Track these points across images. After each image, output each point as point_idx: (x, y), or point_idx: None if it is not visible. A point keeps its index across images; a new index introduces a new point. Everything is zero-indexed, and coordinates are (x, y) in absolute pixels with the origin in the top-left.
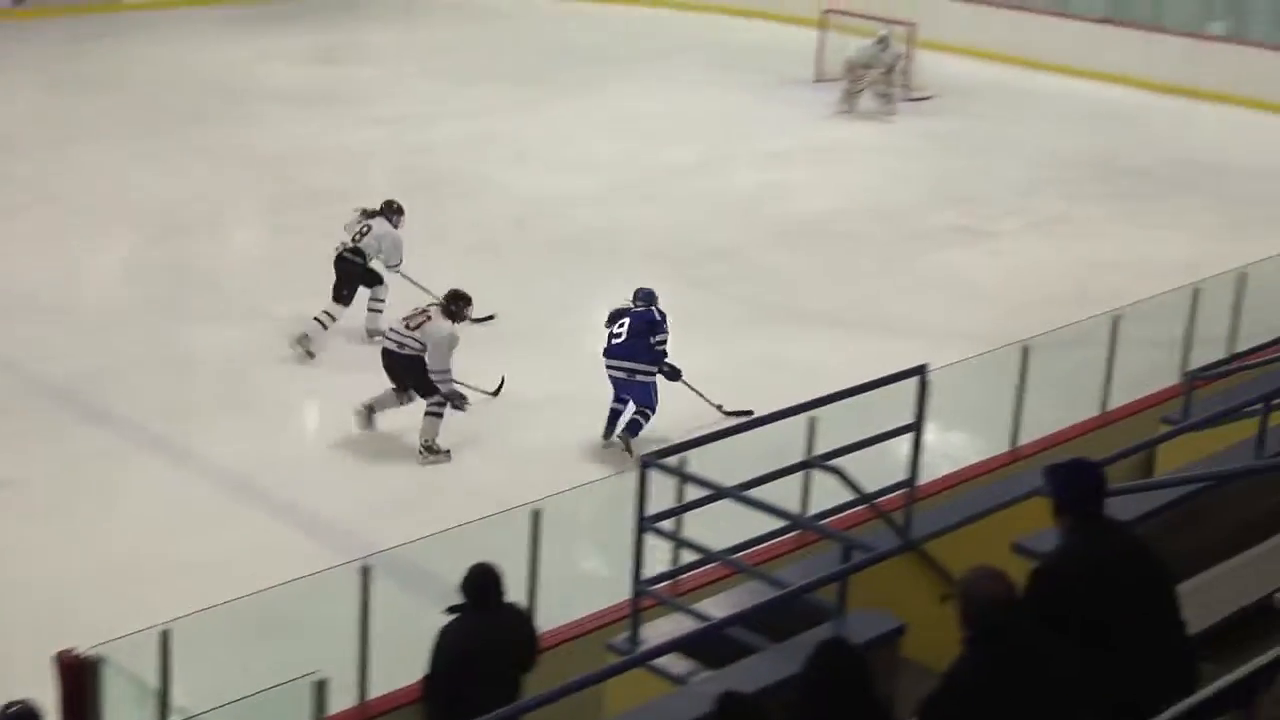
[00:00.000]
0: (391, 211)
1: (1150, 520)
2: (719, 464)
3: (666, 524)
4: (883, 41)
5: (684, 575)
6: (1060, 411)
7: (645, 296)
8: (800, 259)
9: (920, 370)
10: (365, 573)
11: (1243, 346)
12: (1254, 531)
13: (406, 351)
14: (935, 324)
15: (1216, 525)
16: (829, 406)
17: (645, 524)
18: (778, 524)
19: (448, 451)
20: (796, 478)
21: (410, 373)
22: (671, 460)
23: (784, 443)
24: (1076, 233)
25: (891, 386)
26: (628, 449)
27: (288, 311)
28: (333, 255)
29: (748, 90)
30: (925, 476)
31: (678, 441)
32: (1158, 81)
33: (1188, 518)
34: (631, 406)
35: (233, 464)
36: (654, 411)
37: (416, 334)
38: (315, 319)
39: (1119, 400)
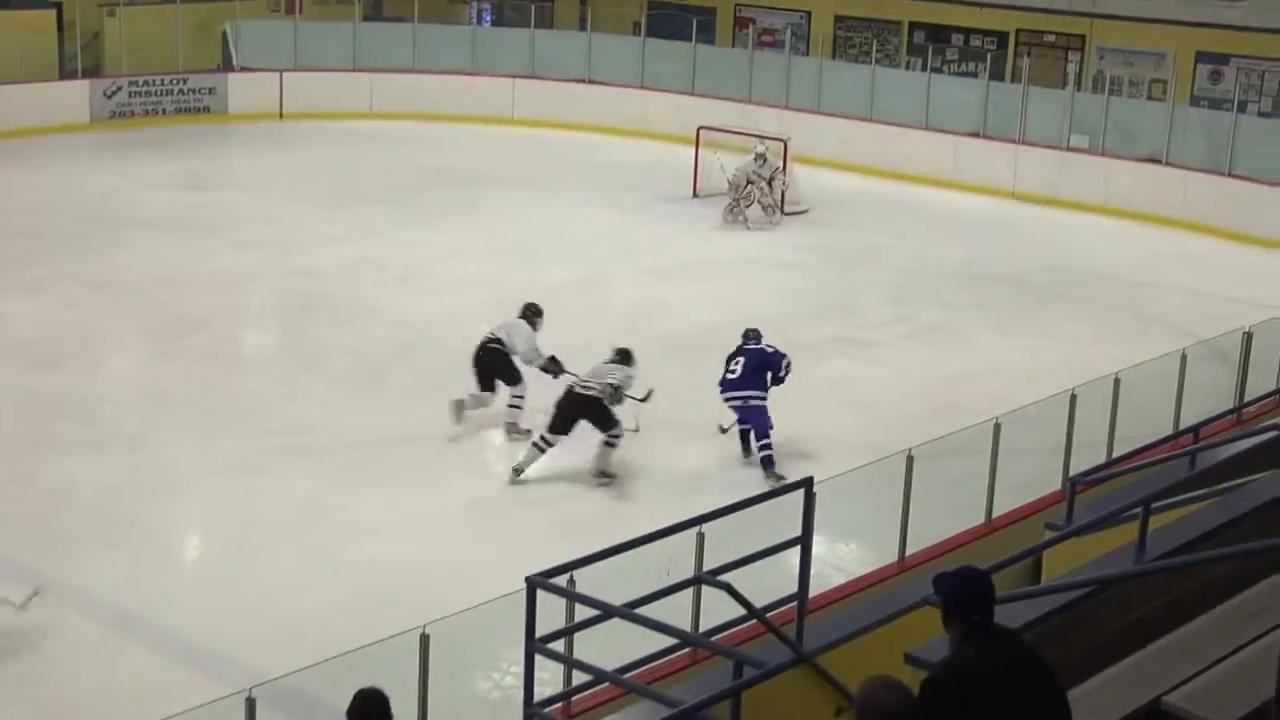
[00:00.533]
0: (531, 313)
1: (1039, 626)
2: (607, 582)
3: (558, 644)
4: (760, 157)
5: (576, 696)
6: (947, 520)
7: (754, 336)
8: (682, 373)
9: (806, 483)
10: (250, 705)
11: (1121, 450)
12: (1141, 634)
13: (591, 394)
14: (820, 436)
15: (1104, 629)
16: (717, 520)
17: (534, 646)
18: (669, 641)
19: (615, 476)
20: (687, 593)
21: (591, 411)
22: (560, 579)
23: (674, 557)
24: (953, 341)
25: (778, 499)
26: (773, 477)
27: (163, 438)
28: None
29: (626, 208)
30: (815, 588)
31: (564, 562)
32: (1023, 191)
33: (1076, 622)
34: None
35: (109, 596)
36: (770, 434)
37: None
38: (471, 394)
39: (1004, 507)
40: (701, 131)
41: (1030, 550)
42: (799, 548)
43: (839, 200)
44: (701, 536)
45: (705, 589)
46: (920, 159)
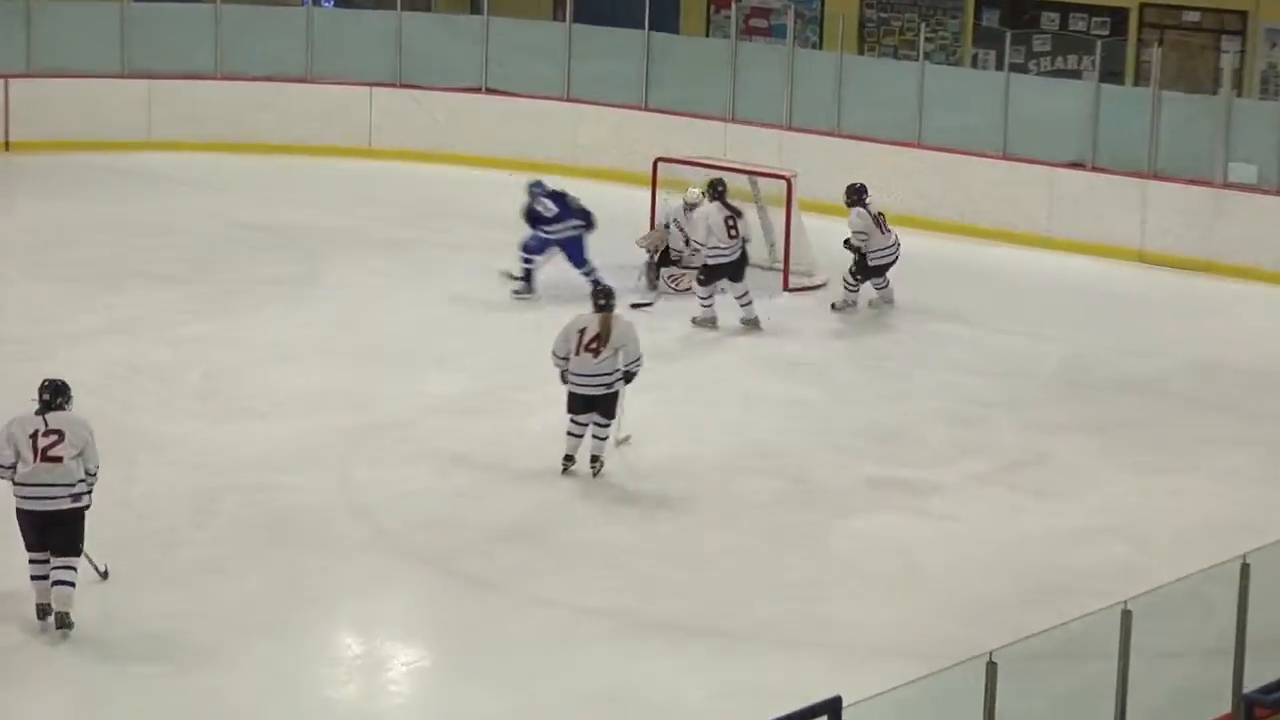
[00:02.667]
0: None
1: None
2: None
3: None
4: (689, 207)
5: None
6: None
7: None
8: (644, 537)
9: (832, 707)
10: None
11: None
12: None
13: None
14: (850, 629)
15: None
16: None
17: None
18: None
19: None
20: None
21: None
22: None
23: None
24: (1053, 483)
25: None
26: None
27: None
28: None
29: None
30: None
31: None
32: (1155, 252)
33: None
34: None
35: None
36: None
37: None
38: None
39: None
40: (660, 166)
41: None
42: None
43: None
44: None
45: None
46: (996, 204)
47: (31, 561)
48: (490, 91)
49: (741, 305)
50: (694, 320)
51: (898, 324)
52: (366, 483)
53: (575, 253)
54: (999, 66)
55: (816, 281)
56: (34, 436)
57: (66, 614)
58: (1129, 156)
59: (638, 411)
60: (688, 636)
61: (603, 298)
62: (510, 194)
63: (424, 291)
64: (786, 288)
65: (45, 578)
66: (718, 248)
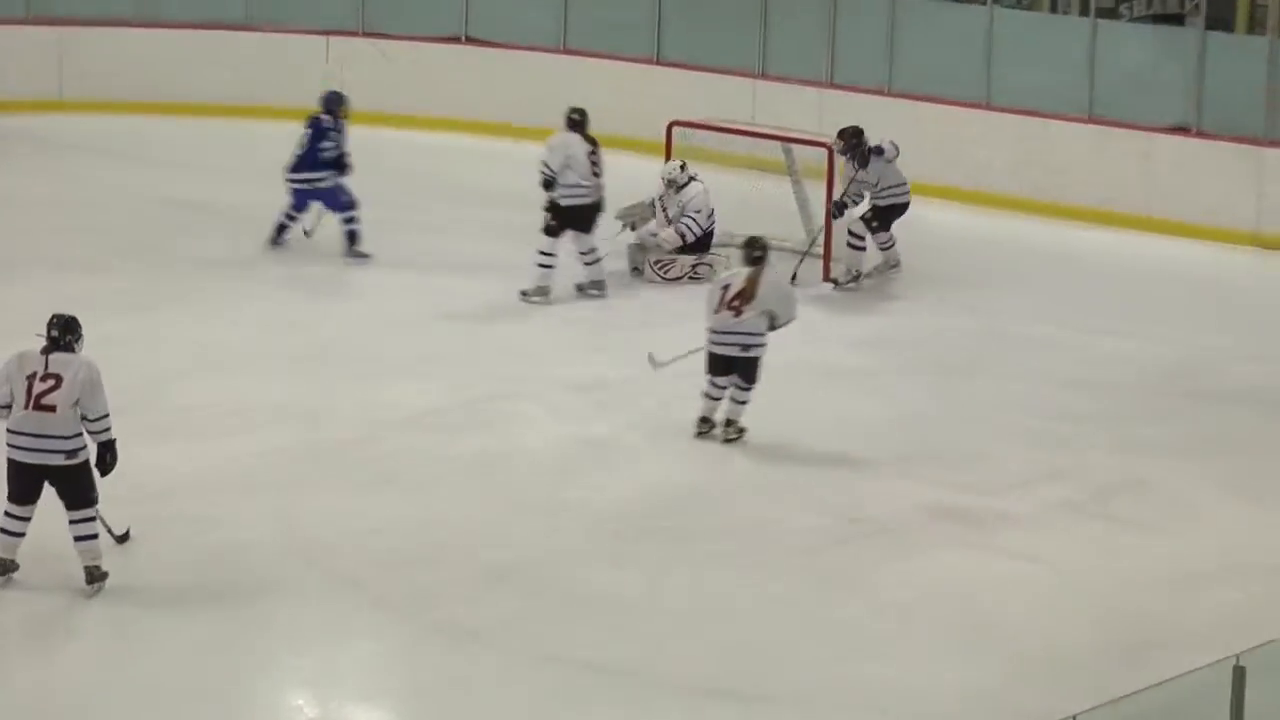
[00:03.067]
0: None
1: None
2: None
3: None
4: (672, 185)
5: None
6: None
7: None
8: (659, 581)
9: None
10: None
11: None
12: None
13: None
14: (905, 695)
15: None
16: None
17: None
18: None
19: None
20: None
21: None
22: None
23: None
24: (1155, 514)
25: None
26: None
27: None
28: None
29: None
30: None
31: None
32: (1270, 233)
33: None
34: None
35: None
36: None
37: None
38: None
39: None
40: (675, 131)
41: None
42: None
43: (934, 255)
44: None
45: None
46: (1081, 178)
47: (6, 514)
48: (471, 41)
49: (587, 264)
50: (523, 294)
51: (965, 323)
52: (320, 513)
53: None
54: (1083, 12)
55: (864, 271)
56: (31, 379)
57: (96, 567)
58: (1242, 119)
59: (653, 431)
60: (709, 702)
61: (758, 249)
62: (499, 164)
63: (390, 282)
64: (828, 278)
65: (17, 535)
66: (578, 185)
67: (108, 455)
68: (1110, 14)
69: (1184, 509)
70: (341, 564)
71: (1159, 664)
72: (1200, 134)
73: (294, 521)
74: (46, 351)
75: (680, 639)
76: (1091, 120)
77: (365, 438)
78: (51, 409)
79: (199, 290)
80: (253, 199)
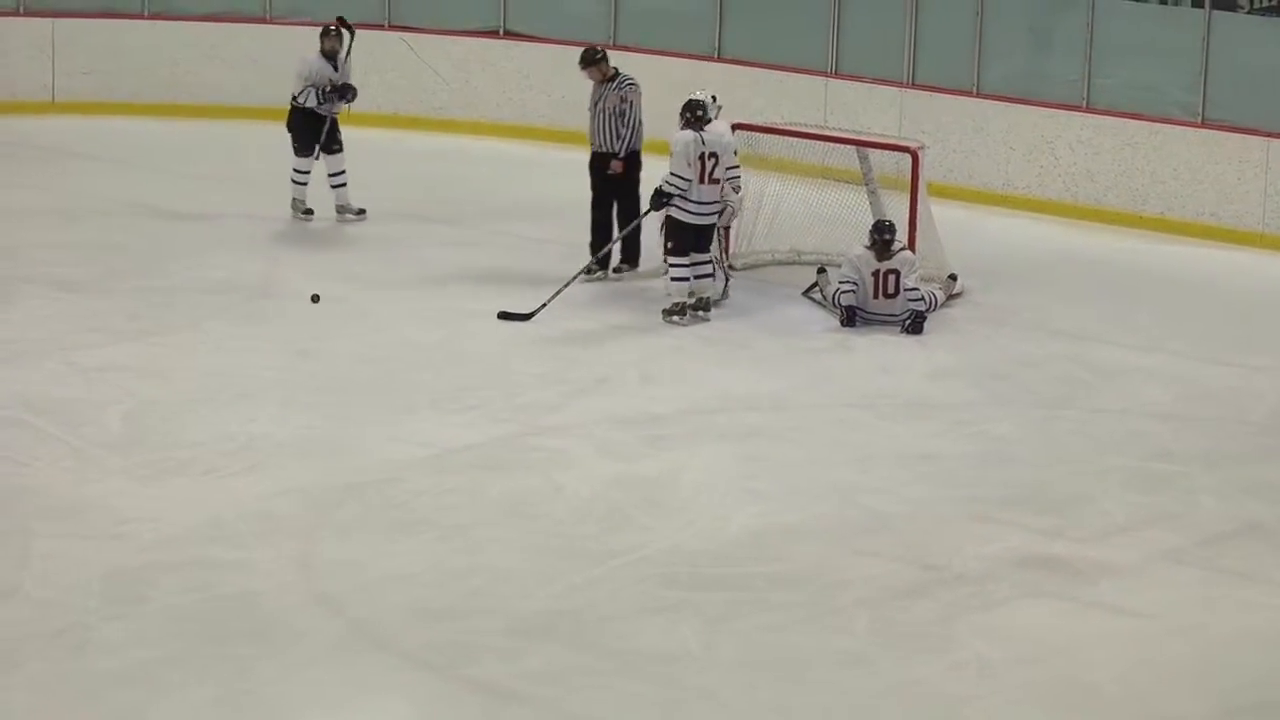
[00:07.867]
0: None
1: None
2: None
3: None
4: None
5: None
6: None
7: None
8: (713, 637)
9: None
10: None
11: None
12: None
13: None
14: None
15: None
16: None
17: None
18: None
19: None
20: None
21: None
22: None
23: None
24: (1259, 564)
25: None
26: None
27: None
28: None
29: (581, 294)
30: None
31: None
32: None
33: None
34: None
35: None
36: None
37: None
38: None
39: None
40: (737, 134)
41: None
42: None
43: (1025, 273)
44: None
45: None
46: (1192, 189)
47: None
48: (511, 35)
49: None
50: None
51: (1057, 351)
52: (343, 560)
53: None
54: (1196, 3)
55: (952, 291)
56: None
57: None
58: None
59: (712, 468)
60: None
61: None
62: (538, 170)
63: (415, 305)
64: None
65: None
66: (701, 201)
67: None
68: (1227, 5)
69: None
70: (367, 616)
71: None
72: None
73: (315, 569)
74: None
75: (739, 700)
76: (1203, 125)
77: (391, 478)
78: None
79: (207, 314)
80: (266, 212)
